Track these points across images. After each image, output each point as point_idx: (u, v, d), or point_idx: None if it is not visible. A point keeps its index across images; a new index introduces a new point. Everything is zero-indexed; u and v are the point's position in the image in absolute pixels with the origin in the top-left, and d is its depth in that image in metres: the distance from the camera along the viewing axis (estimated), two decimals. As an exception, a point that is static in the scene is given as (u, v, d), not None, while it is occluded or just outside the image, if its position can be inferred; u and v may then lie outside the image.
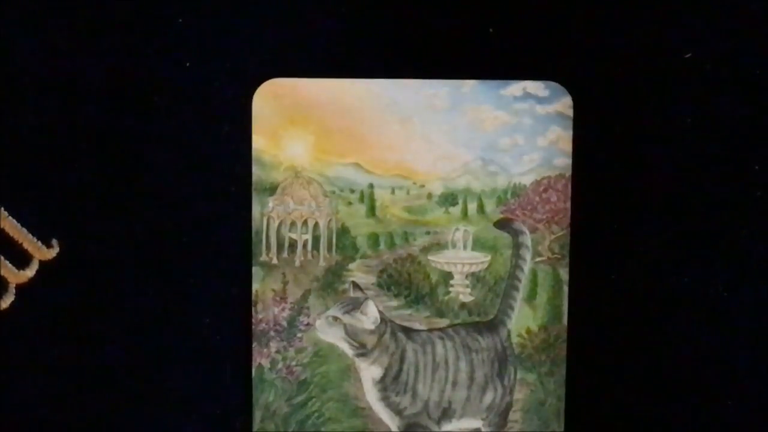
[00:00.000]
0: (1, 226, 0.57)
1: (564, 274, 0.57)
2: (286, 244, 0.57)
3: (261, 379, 0.58)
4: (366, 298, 0.57)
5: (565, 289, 0.57)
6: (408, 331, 0.58)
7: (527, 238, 0.57)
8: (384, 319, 0.57)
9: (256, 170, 0.56)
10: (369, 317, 0.57)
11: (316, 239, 0.57)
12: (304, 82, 0.56)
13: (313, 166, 0.56)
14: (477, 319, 0.58)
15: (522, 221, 0.57)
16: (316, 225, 0.57)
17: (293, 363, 0.58)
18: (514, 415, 0.59)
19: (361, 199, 0.57)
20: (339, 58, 0.56)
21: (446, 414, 0.58)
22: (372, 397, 0.58)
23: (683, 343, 0.59)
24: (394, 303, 0.58)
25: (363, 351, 0.57)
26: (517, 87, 0.56)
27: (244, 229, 0.57)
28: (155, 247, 0.57)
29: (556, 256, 0.57)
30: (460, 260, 0.57)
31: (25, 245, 0.57)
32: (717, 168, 0.58)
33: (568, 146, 0.56)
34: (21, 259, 0.58)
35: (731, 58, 0.57)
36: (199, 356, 0.58)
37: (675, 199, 0.58)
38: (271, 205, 0.57)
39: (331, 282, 0.57)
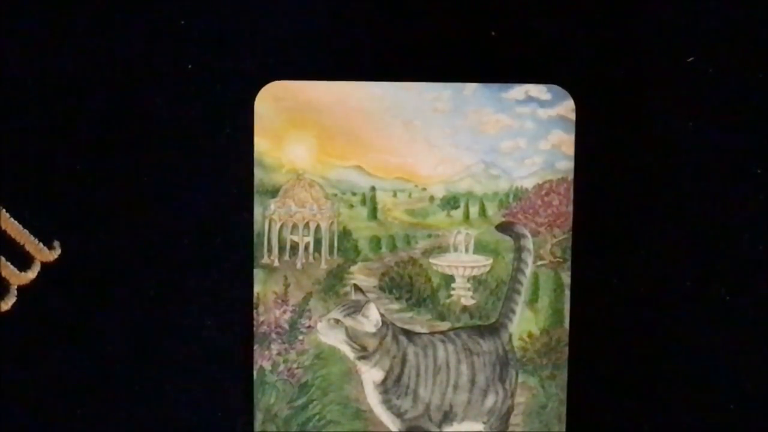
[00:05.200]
0: (3, 228, 0.57)
1: (566, 277, 0.57)
2: (288, 247, 0.57)
3: (262, 381, 0.58)
4: (367, 301, 0.57)
5: (567, 292, 0.57)
6: (409, 334, 0.58)
7: (529, 242, 0.57)
8: (385, 322, 0.57)
9: (257, 172, 0.56)
10: (370, 320, 0.57)
11: (317, 242, 0.57)
12: (306, 84, 0.56)
13: (315, 169, 0.56)
14: (478, 322, 0.58)
15: (524, 225, 0.57)
16: (317, 227, 0.57)
17: (294, 365, 0.58)
18: (516, 419, 0.59)
19: (363, 202, 0.57)
20: (341, 61, 0.56)
21: (447, 417, 0.58)
22: (373, 399, 0.58)
23: (685, 347, 0.58)
24: (396, 306, 0.58)
25: (364, 354, 0.57)
26: (519, 90, 0.56)
27: (246, 232, 0.57)
28: (157, 249, 0.57)
29: (557, 259, 0.57)
30: (461, 263, 0.57)
31: (27, 247, 0.57)
32: (719, 171, 0.57)
33: (570, 150, 0.56)
34: (22, 260, 0.58)
35: (733, 62, 0.57)
36: (200, 358, 0.58)
37: (677, 203, 0.58)
38: (272, 207, 0.57)
39: (333, 284, 0.57)
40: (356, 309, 0.57)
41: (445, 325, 0.58)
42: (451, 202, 0.57)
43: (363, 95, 0.56)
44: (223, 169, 0.57)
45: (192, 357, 0.58)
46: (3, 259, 0.58)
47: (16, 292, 0.58)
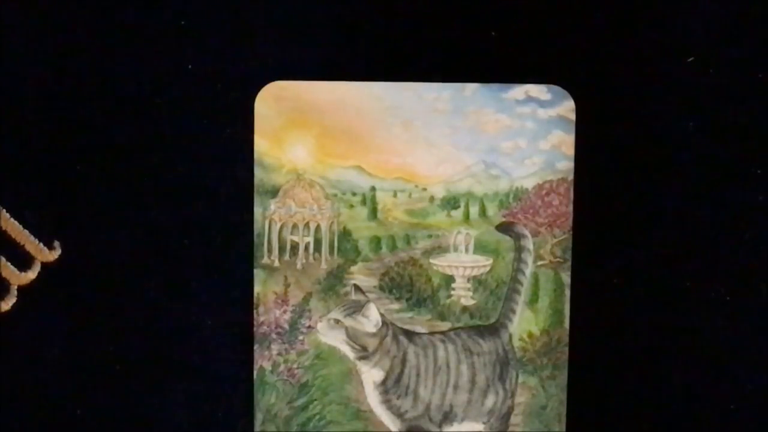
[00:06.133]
0: (3, 228, 0.57)
1: (566, 277, 0.57)
2: (288, 247, 0.57)
3: (262, 381, 0.58)
4: (367, 301, 0.57)
5: (567, 292, 0.57)
6: (409, 335, 0.58)
7: (529, 242, 0.57)
8: (385, 322, 0.57)
9: (258, 173, 0.56)
10: (370, 320, 0.57)
11: (317, 242, 0.57)
12: (306, 84, 0.56)
13: (315, 169, 0.56)
14: (479, 322, 0.58)
15: (524, 225, 0.57)
16: (317, 227, 0.57)
17: (294, 365, 0.58)
18: (516, 419, 0.59)
19: (363, 202, 0.57)
20: (341, 61, 0.56)
21: (447, 417, 0.58)
22: (373, 400, 0.58)
23: (685, 347, 0.58)
24: (396, 306, 0.58)
25: (364, 354, 0.57)
26: (519, 90, 0.56)
27: (246, 232, 0.57)
28: (157, 249, 0.57)
29: (558, 259, 0.57)
30: (461, 263, 0.57)
31: (27, 247, 0.57)
32: (719, 172, 0.57)
33: (570, 150, 0.56)
34: (23, 260, 0.58)
35: (733, 62, 0.57)
36: (200, 358, 0.58)
37: (677, 203, 0.57)
38: (272, 207, 0.57)
39: (333, 285, 0.57)
40: (356, 309, 0.57)
41: (445, 325, 0.58)
42: (451, 202, 0.57)
43: (363, 95, 0.56)
44: (223, 169, 0.57)
45: (192, 357, 0.58)
46: (3, 259, 0.58)
47: (16, 292, 0.58)
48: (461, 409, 0.58)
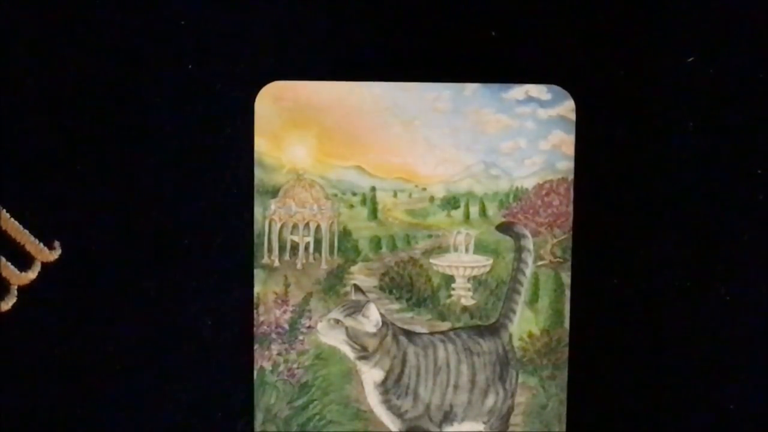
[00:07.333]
0: (3, 228, 0.57)
1: (566, 277, 0.57)
2: (288, 247, 0.57)
3: (262, 381, 0.58)
4: (367, 301, 0.57)
5: (567, 292, 0.57)
6: (409, 334, 0.58)
7: (529, 242, 0.57)
8: (385, 322, 0.57)
9: (258, 173, 0.56)
10: (370, 320, 0.57)
11: (317, 242, 0.57)
12: (306, 84, 0.56)
13: (315, 169, 0.56)
14: (479, 322, 0.58)
15: (524, 225, 0.57)
16: (317, 228, 0.57)
17: (295, 365, 0.58)
18: (516, 419, 0.59)
19: (363, 202, 0.57)
20: (341, 61, 0.56)
21: (447, 417, 0.58)
22: (373, 400, 0.58)
23: (685, 347, 0.59)
24: (396, 306, 0.58)
25: (364, 354, 0.57)
26: (519, 90, 0.56)
27: (246, 232, 0.57)
28: (157, 249, 0.57)
29: (558, 259, 0.57)
30: (461, 263, 0.57)
31: (27, 247, 0.57)
32: (719, 172, 0.57)
33: (570, 150, 0.56)
34: (23, 260, 0.58)
35: (733, 63, 0.57)
36: (200, 358, 0.58)
37: (677, 203, 0.58)
38: (273, 207, 0.57)
39: (333, 285, 0.57)
40: (356, 309, 0.57)
41: (445, 325, 0.58)
42: (451, 202, 0.57)
43: (363, 95, 0.56)
44: (223, 169, 0.57)
45: (192, 357, 0.58)
46: (3, 259, 0.58)
47: (16, 292, 0.58)
48: (461, 409, 0.58)
